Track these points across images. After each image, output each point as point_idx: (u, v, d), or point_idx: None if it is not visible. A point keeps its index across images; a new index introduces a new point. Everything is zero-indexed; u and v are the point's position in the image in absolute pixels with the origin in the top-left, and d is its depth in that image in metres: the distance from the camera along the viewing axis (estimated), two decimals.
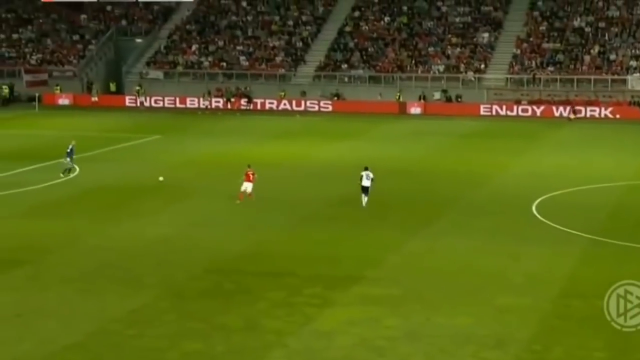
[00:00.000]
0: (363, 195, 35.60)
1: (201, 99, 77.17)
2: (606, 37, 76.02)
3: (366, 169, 36.32)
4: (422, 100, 73.62)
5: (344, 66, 78.33)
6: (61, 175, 42.10)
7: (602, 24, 77.08)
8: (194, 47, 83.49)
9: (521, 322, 22.11)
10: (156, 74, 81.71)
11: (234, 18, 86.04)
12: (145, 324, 22.00)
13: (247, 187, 36.45)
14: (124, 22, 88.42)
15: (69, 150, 43.21)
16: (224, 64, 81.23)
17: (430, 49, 78.34)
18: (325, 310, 23.10)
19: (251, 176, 36.64)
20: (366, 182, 35.60)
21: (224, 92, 77.93)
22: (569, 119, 67.10)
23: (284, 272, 26.59)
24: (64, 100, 79.50)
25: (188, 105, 77.12)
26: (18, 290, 24.83)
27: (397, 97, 73.86)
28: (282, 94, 76.32)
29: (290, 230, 32.04)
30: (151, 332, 21.49)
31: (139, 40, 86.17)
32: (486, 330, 21.57)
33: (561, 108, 70.12)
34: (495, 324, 21.97)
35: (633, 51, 74.24)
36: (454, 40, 78.80)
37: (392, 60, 77.76)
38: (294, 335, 21.36)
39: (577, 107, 68.86)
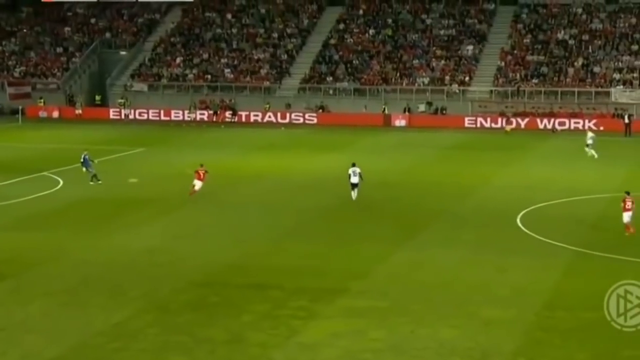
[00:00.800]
0: (353, 190, 36.67)
1: (186, 112, 77.14)
2: (590, 50, 76.51)
3: (353, 165, 37.81)
4: (407, 113, 73.83)
5: (329, 79, 78.50)
6: (91, 183, 43.52)
7: (585, 37, 77.58)
8: (178, 60, 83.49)
9: (506, 334, 22.14)
10: (140, 86, 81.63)
11: (218, 30, 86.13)
12: (129, 338, 21.90)
13: (197, 184, 39.50)
14: (108, 35, 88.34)
15: (82, 160, 44.52)
16: (209, 76, 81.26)
17: (415, 62, 78.62)
18: (310, 323, 23.07)
19: (202, 174, 39.64)
20: (354, 179, 37.42)
21: (209, 104, 77.95)
22: (505, 131, 67.52)
23: (269, 284, 26.54)
24: (46, 113, 79.23)
25: (173, 118, 77.07)
26: (1, 304, 24.69)
27: (383, 110, 74.04)
28: (267, 106, 76.40)
29: (275, 243, 32.01)
30: (135, 346, 21.39)
31: (123, 52, 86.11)
32: (471, 342, 21.58)
33: (545, 120, 70.48)
34: (480, 336, 22.00)
35: (616, 64, 74.72)
36: (438, 52, 79.12)
37: (377, 73, 77.99)
38: (278, 348, 21.31)
39: (511, 118, 69.31)
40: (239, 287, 26.36)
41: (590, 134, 54.67)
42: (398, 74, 77.64)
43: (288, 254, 30.44)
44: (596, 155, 52.06)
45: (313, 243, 31.97)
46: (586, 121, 69.56)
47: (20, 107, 76.07)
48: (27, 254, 30.17)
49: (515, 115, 71.53)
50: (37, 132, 68.31)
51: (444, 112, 74.18)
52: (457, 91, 75.29)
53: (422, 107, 74.64)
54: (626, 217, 32.88)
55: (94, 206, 38.79)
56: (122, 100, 79.24)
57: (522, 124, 70.38)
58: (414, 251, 30.75)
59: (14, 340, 21.75)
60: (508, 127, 68.26)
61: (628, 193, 33.27)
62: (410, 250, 30.90)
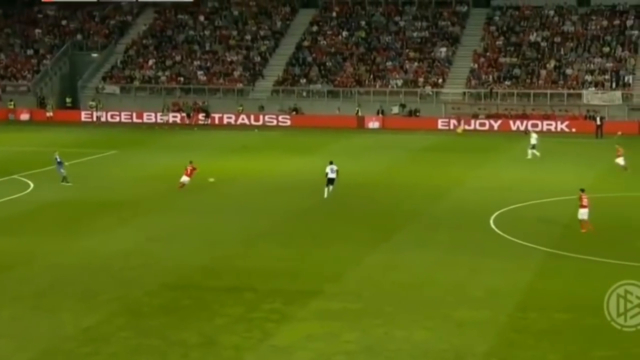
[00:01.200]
0: (328, 186, 38.28)
1: (159, 114, 76.83)
2: (562, 52, 77.04)
3: (331, 162, 39.98)
4: (380, 115, 73.99)
5: (303, 81, 78.51)
6: (62, 184, 43.59)
7: (557, 39, 78.14)
8: (150, 62, 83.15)
9: (480, 335, 22.22)
10: (112, 88, 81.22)
11: (191, 32, 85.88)
12: (100, 342, 21.75)
13: (185, 179, 42.04)
14: (79, 37, 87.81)
15: (58, 161, 44.54)
16: (182, 78, 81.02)
17: (389, 64, 78.81)
18: (283, 326, 23.04)
19: (189, 171, 42.05)
20: (331, 175, 39.38)
21: (182, 107, 77.67)
22: (456, 132, 68.01)
23: (243, 287, 26.48)
24: (13, 115, 78.54)
25: (145, 120, 76.74)
26: None
27: (356, 112, 74.14)
28: (240, 108, 76.27)
29: (249, 245, 31.95)
30: (106, 350, 21.24)
31: (94, 54, 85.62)
32: (445, 344, 21.64)
33: (518, 122, 70.87)
34: (453, 337, 22.06)
35: (588, 66, 75.30)
36: (412, 54, 79.37)
37: (350, 75, 78.09)
38: (252, 351, 21.26)
39: (462, 119, 69.79)
40: (212, 289, 26.27)
41: (534, 135, 55.64)
42: (371, 76, 77.79)
43: (262, 256, 30.39)
44: (538, 154, 52.93)
45: (287, 245, 31.93)
46: (558, 123, 70.03)
47: None
48: None
49: (489, 117, 71.88)
50: (6, 135, 67.74)
51: (418, 114, 74.40)
52: (431, 93, 75.56)
53: (395, 109, 74.81)
54: (582, 214, 33.39)
55: (65, 209, 38.54)
56: (94, 103, 78.79)
57: (495, 125, 70.72)
58: (388, 253, 30.80)
59: None
60: (459, 129, 68.73)
61: (583, 190, 33.80)
62: (384, 252, 30.95)
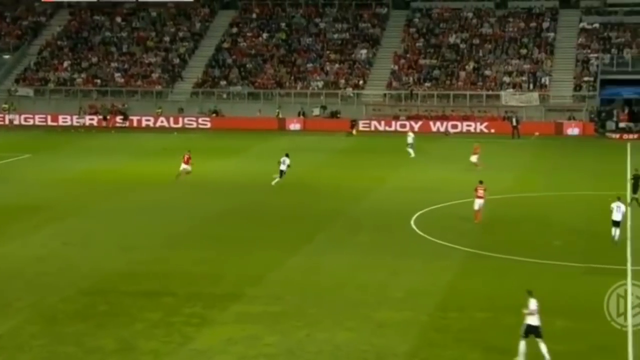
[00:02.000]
0: (280, 177, 42.29)
1: (74, 117, 75.53)
2: (480, 54, 78.28)
3: (287, 155, 44.03)
4: (301, 117, 74.09)
5: (223, 82, 78.13)
6: None
7: (476, 41, 79.34)
8: (66, 64, 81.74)
9: (401, 335, 22.40)
10: (26, 90, 79.56)
11: (107, 34, 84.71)
12: (13, 350, 21.30)
13: (185, 167, 44.81)
14: None
15: None
16: (98, 80, 79.85)
17: (309, 65, 78.98)
18: (204, 330, 22.89)
19: (186, 159, 45.01)
20: (282, 167, 43.08)
21: (99, 109, 76.51)
22: (350, 133, 68.98)
23: (162, 291, 26.21)
24: None
25: (60, 123, 75.29)
26: None
27: (277, 114, 74.12)
28: (159, 110, 75.51)
29: (167, 249, 31.64)
30: (20, 358, 20.82)
31: (6, 56, 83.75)
32: (366, 345, 21.76)
33: (438, 123, 71.74)
34: (375, 338, 22.20)
35: (506, 67, 76.65)
36: (332, 56, 79.68)
37: (271, 76, 78.02)
38: (171, 356, 21.06)
39: (357, 121, 70.93)
40: (130, 294, 25.94)
41: (410, 134, 57.90)
42: (292, 78, 77.85)
43: (181, 260, 30.12)
44: (413, 154, 54.99)
45: (206, 249, 31.73)
46: (478, 124, 71.11)
47: None
48: None
49: (409, 118, 72.61)
50: None
51: (338, 115, 74.74)
52: (352, 95, 75.94)
53: (316, 111, 75.00)
54: (477, 204, 35.14)
55: None
56: (6, 105, 77.03)
57: (416, 127, 71.49)
58: (309, 255, 30.85)
59: None
60: (354, 131, 69.47)
61: (481, 182, 35.71)
62: (305, 254, 30.99)
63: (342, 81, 76.94)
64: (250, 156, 56.83)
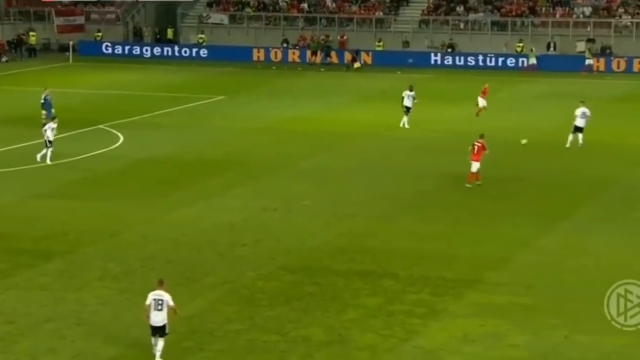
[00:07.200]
0: (575, 134, 42.61)
1: (277, 50, 77.23)
2: None
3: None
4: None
5: (460, 8, 77.68)
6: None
7: None
8: None
9: None
10: (220, 17, 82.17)
11: None
12: (204, 335, 22.38)
13: (483, 103, 49.55)
14: None
15: (43, 101, 46.02)
16: (305, 5, 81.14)
17: None
18: (432, 322, 23.15)
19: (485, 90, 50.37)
20: (580, 122, 42.70)
21: (310, 41, 77.46)
22: (350, 67, 70.64)
23: (380, 272, 26.64)
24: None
25: (260, 58, 77.07)
26: None
27: (529, 50, 72.95)
28: (380, 44, 76.11)
29: (388, 220, 32.06)
30: (212, 345, 21.80)
31: None
32: None
33: None
34: None
35: None
36: None
37: (522, 1, 76.84)
38: (392, 353, 21.42)
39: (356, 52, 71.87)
40: (342, 274, 26.52)
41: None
42: (550, 2, 76.44)
43: (403, 234, 30.42)
44: None
45: (436, 221, 31.91)
46: None
47: (70, 43, 77.51)
48: None
49: None
50: (92, 75, 69.64)
51: (609, 52, 72.93)
52: (629, 24, 73.84)
53: (580, 46, 73.40)
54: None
55: (160, 168, 39.42)
56: (203, 36, 79.40)
57: None
58: (569, 233, 30.49)
59: None
60: (355, 64, 71.37)
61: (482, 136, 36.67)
62: (564, 232, 30.65)
63: (619, 8, 74.67)
64: (494, 104, 56.33)
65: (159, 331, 20.82)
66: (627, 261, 27.72)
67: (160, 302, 20.79)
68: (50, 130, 39.38)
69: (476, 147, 35.75)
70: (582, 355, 21.33)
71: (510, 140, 42.67)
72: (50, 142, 39.33)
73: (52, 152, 39.32)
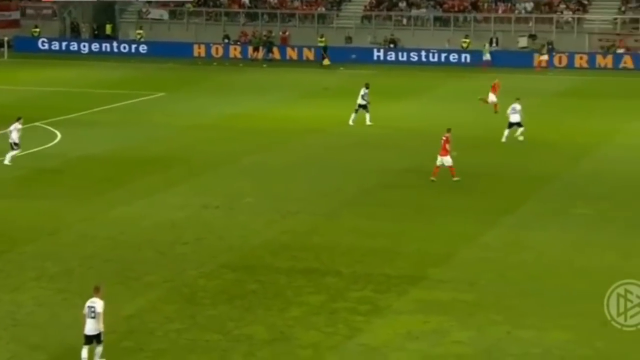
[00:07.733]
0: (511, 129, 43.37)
1: (217, 46, 76.99)
2: None
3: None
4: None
5: (402, 4, 78.06)
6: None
7: None
8: None
9: (636, 341, 21.90)
10: (160, 12, 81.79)
11: None
12: (144, 334, 22.23)
13: (493, 99, 49.68)
14: None
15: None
16: (246, 0, 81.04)
17: None
18: (375, 320, 23.19)
19: (495, 86, 50.23)
20: (513, 117, 43.50)
21: (252, 37, 77.23)
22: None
23: (323, 269, 26.64)
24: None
25: (201, 54, 76.89)
26: None
27: (467, 44, 73.35)
28: (322, 40, 76.13)
29: (331, 217, 32.08)
30: (152, 345, 21.66)
31: None
32: (586, 349, 21.55)
33: None
34: (599, 341, 21.94)
35: None
36: None
37: None
38: (335, 351, 21.41)
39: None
40: (284, 272, 26.47)
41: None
42: None
43: (347, 231, 30.41)
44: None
45: (379, 218, 31.99)
46: None
47: (5, 39, 76.69)
48: None
49: None
50: (29, 72, 68.95)
51: (551, 47, 73.51)
52: (570, 20, 74.51)
53: (522, 42, 73.95)
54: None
55: (100, 166, 39.07)
56: (142, 32, 78.93)
57: None
58: (512, 229, 30.67)
59: None
60: (325, 61, 71.18)
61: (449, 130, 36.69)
62: (506, 228, 30.83)
63: (560, 4, 75.39)
64: (436, 99, 56.63)
65: (92, 340, 20.52)
66: (569, 257, 28.04)
67: (92, 309, 20.45)
68: (15, 132, 38.59)
69: (442, 141, 35.94)
70: (525, 351, 21.44)
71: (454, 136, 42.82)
72: (16, 144, 38.63)
73: (15, 154, 38.64)
